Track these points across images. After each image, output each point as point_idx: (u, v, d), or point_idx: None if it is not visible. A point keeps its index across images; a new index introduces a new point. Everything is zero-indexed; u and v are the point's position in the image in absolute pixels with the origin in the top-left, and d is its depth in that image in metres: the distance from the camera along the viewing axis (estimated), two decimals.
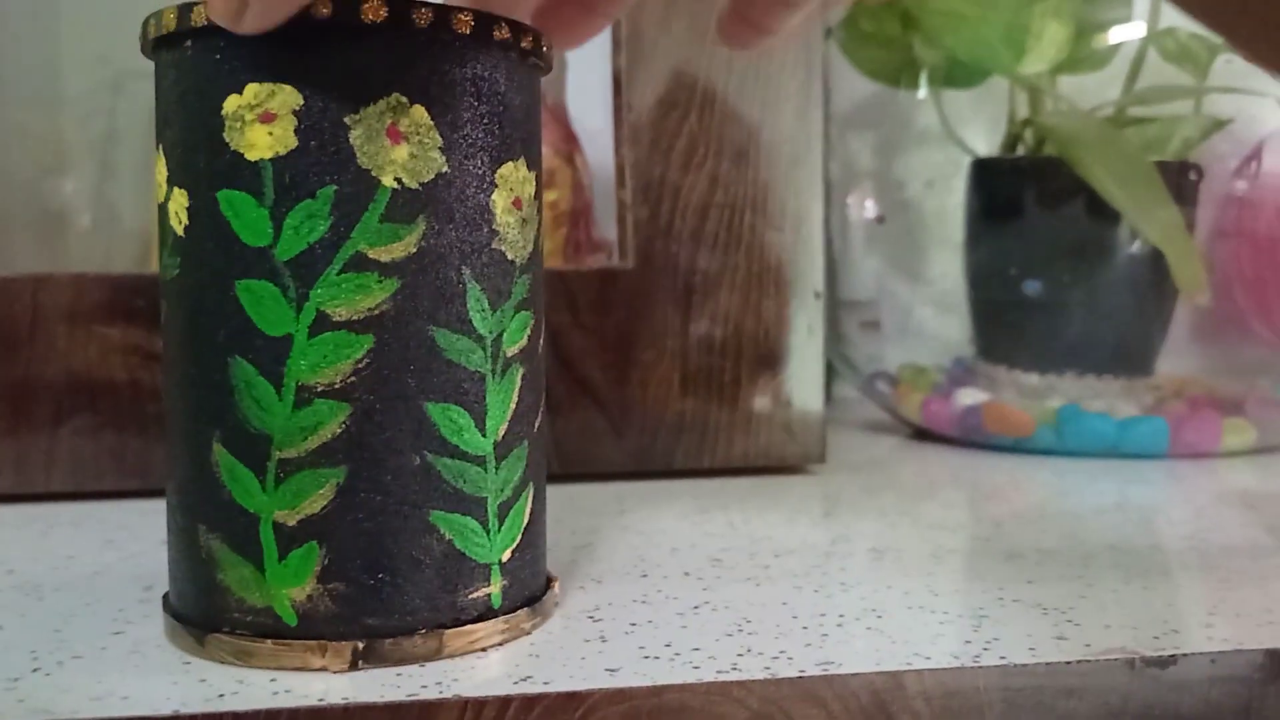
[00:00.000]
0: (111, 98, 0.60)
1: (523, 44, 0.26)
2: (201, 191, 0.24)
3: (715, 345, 0.46)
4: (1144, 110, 0.52)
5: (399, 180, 0.24)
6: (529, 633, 0.27)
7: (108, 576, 0.31)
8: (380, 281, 0.24)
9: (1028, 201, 0.53)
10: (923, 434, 0.57)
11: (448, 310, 0.24)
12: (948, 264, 0.61)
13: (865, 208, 0.63)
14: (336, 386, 0.24)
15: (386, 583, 0.24)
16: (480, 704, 0.22)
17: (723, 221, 0.46)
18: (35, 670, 0.24)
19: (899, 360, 0.62)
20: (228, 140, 0.24)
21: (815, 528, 0.38)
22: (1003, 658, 0.25)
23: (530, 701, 0.23)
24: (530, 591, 0.27)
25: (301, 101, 0.23)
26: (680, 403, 0.46)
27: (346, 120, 0.24)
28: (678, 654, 0.25)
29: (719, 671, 0.24)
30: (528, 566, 0.27)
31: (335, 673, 0.24)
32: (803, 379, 0.47)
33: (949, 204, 0.61)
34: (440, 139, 0.24)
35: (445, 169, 0.24)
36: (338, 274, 0.24)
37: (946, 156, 0.61)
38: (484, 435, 0.25)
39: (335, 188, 0.24)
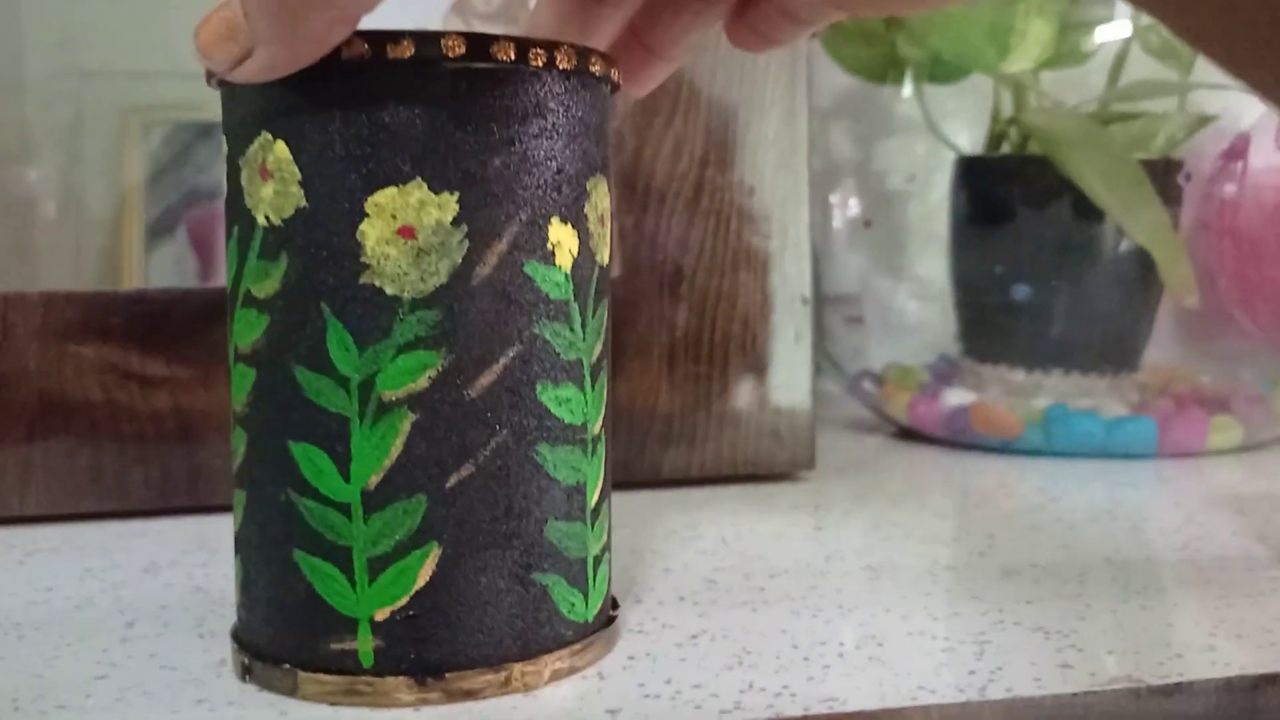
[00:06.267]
0: (76, 84, 0.59)
1: (396, 54, 0.23)
2: None
3: (702, 353, 0.45)
4: (1128, 106, 0.52)
5: (267, 218, 0.24)
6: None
7: (89, 611, 0.31)
8: (258, 317, 0.25)
9: (1014, 201, 0.52)
10: (907, 432, 0.56)
11: (309, 348, 0.24)
12: (932, 259, 0.61)
13: (849, 206, 0.63)
14: (237, 416, 0.26)
15: (253, 614, 0.26)
16: None
17: (708, 228, 0.45)
18: None
19: (883, 355, 0.61)
20: None
21: (808, 542, 0.37)
22: (1009, 690, 0.25)
23: None
24: (434, 659, 0.24)
25: (226, 149, 0.25)
26: (668, 411, 0.45)
27: (239, 162, 0.25)
28: (679, 691, 0.25)
29: (723, 711, 0.24)
30: (426, 633, 0.24)
31: None
32: (790, 385, 0.46)
33: (931, 198, 0.60)
34: (299, 173, 0.24)
35: (304, 204, 0.24)
36: (238, 309, 0.25)
37: (929, 149, 0.60)
38: (347, 481, 0.24)
39: (237, 228, 0.25)
